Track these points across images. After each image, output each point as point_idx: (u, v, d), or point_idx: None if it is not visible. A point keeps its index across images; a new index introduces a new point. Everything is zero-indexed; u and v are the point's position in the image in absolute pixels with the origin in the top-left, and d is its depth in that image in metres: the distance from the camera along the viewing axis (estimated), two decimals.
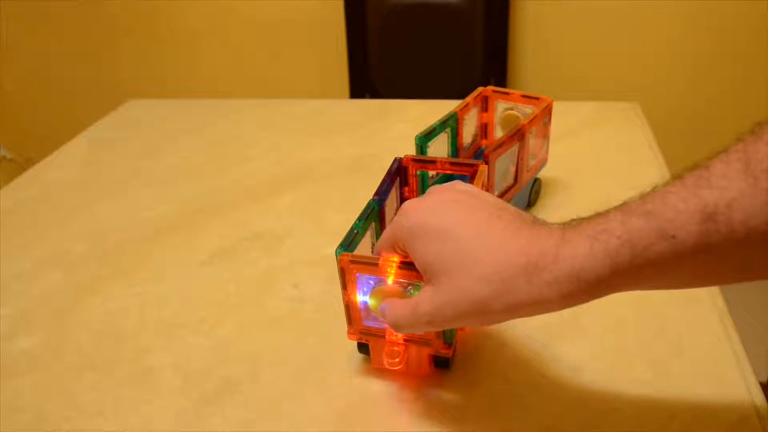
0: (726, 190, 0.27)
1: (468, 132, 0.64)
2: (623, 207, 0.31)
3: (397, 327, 0.38)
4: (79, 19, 1.73)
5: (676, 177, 0.30)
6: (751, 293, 1.54)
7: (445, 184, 0.41)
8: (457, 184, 0.40)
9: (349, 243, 0.42)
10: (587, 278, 0.31)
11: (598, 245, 0.31)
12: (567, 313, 0.50)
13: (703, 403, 0.42)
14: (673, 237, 0.28)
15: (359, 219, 0.44)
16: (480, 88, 0.65)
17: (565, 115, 0.77)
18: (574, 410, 0.42)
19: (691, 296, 0.51)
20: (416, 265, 0.37)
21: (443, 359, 0.44)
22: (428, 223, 0.36)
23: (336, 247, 0.41)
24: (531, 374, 0.45)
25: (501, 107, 0.66)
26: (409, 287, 0.41)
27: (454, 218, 0.36)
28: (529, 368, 0.46)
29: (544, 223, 0.35)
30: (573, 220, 0.34)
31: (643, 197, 0.31)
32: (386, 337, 0.44)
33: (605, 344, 0.47)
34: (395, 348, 0.44)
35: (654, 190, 0.31)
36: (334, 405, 0.44)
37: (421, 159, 0.51)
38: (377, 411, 0.43)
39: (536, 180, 0.65)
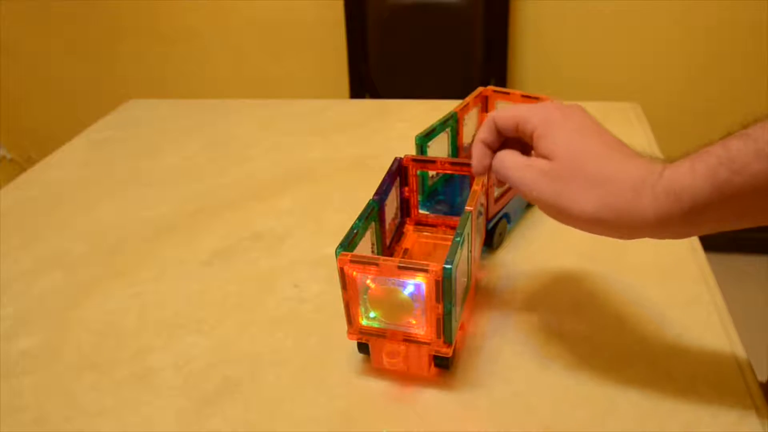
0: None
1: (468, 132, 0.64)
2: (725, 136, 0.33)
3: (499, 172, 0.42)
4: (79, 19, 1.73)
5: None
6: (751, 293, 1.54)
7: (571, 104, 0.43)
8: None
9: (348, 243, 0.42)
10: (688, 198, 0.33)
11: (699, 165, 0.33)
12: (567, 312, 0.50)
13: (703, 403, 0.42)
14: None
15: (359, 219, 0.44)
16: (480, 88, 0.65)
17: None
18: (574, 410, 0.42)
19: (691, 296, 0.51)
20: (542, 149, 0.40)
21: (443, 359, 0.44)
22: (570, 122, 0.40)
23: (336, 246, 0.41)
24: (531, 374, 0.45)
25: (501, 107, 0.66)
26: (409, 287, 0.41)
27: (592, 130, 0.40)
28: (529, 368, 0.46)
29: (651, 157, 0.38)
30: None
31: (744, 126, 0.33)
32: (387, 337, 0.44)
33: (604, 345, 0.47)
34: (395, 348, 0.44)
35: (756, 120, 0.33)
36: (334, 405, 0.44)
37: (422, 159, 0.51)
38: (377, 411, 0.43)
39: None
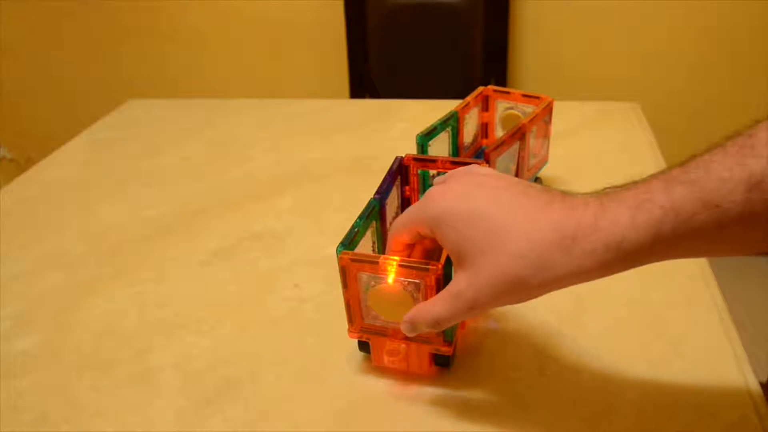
0: None
1: (469, 131, 0.64)
2: (665, 176, 0.31)
3: (439, 324, 0.37)
4: (79, 19, 1.73)
5: (717, 145, 0.30)
6: (751, 293, 1.54)
7: (464, 168, 0.41)
8: (477, 168, 0.40)
9: (350, 241, 0.42)
10: (628, 248, 0.31)
11: (641, 215, 0.31)
12: (567, 312, 0.50)
13: (703, 403, 0.42)
14: (717, 206, 0.28)
15: (360, 218, 0.44)
16: (480, 88, 0.65)
17: (565, 114, 0.77)
18: (574, 410, 0.42)
19: (691, 296, 0.51)
20: (447, 250, 0.37)
21: (444, 357, 0.44)
22: (456, 207, 0.36)
23: (336, 246, 0.41)
24: (531, 374, 0.45)
25: (501, 106, 0.66)
26: (409, 286, 0.41)
27: (480, 200, 0.36)
28: (529, 368, 0.46)
29: (575, 195, 0.35)
30: (607, 188, 0.33)
31: (684, 166, 0.31)
32: (388, 335, 0.44)
33: (605, 344, 0.47)
34: (396, 346, 0.44)
35: (694, 158, 0.30)
36: (334, 405, 0.44)
37: (422, 158, 0.51)
38: (377, 410, 0.43)
39: (537, 179, 0.65)
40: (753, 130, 0.29)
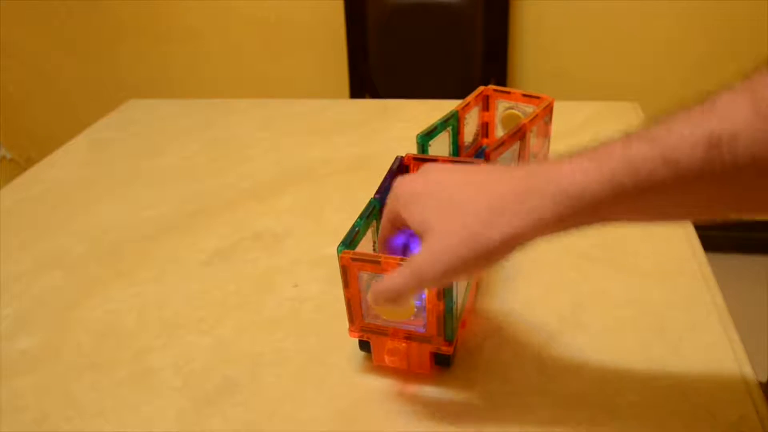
0: (732, 121, 0.27)
1: (469, 131, 0.64)
2: (627, 136, 0.32)
3: (400, 295, 0.37)
4: (79, 19, 1.73)
5: (682, 108, 0.30)
6: (751, 293, 1.54)
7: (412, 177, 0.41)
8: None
9: (350, 241, 0.42)
10: (588, 200, 0.31)
11: (602, 168, 0.31)
12: (567, 312, 0.50)
13: (703, 403, 0.42)
14: (677, 163, 0.29)
15: (360, 217, 0.44)
16: (481, 87, 0.65)
17: (565, 114, 0.77)
18: (574, 410, 0.42)
19: (691, 296, 0.51)
20: (414, 229, 0.37)
21: (444, 357, 0.44)
22: (417, 187, 0.38)
23: (337, 245, 0.41)
24: (531, 374, 0.45)
25: (502, 106, 0.66)
26: None
27: (441, 177, 0.37)
28: (529, 368, 0.46)
29: (538, 162, 0.35)
30: (572, 151, 0.34)
31: (646, 126, 0.31)
32: (388, 334, 0.44)
33: (605, 344, 0.47)
34: (397, 346, 0.44)
35: (658, 119, 0.31)
36: (334, 405, 0.44)
37: (423, 157, 0.51)
38: (377, 410, 0.43)
39: None
40: (716, 96, 0.29)
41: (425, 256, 0.35)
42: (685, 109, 0.30)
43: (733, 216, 0.31)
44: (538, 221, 0.33)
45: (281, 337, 0.51)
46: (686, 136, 0.29)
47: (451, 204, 0.35)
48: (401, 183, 0.39)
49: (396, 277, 0.37)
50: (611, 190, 0.31)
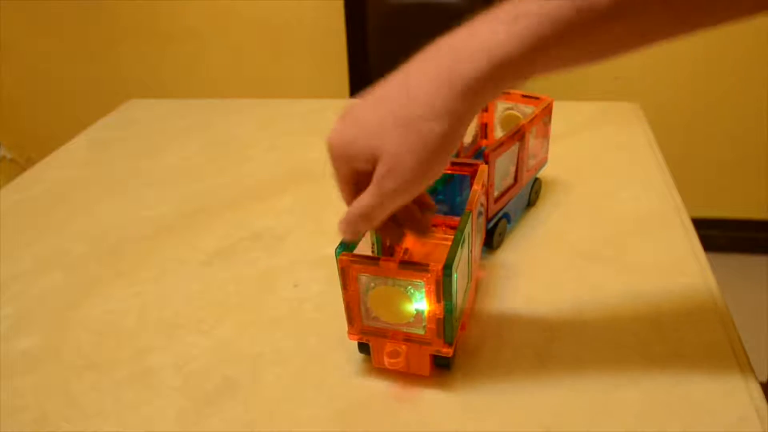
0: None
1: (468, 132, 0.64)
2: None
3: (370, 215, 0.38)
4: (79, 19, 1.73)
5: None
6: (751, 293, 1.54)
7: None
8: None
9: (349, 242, 0.42)
10: (508, 52, 0.33)
11: (519, 22, 0.32)
12: (567, 312, 0.50)
13: (703, 403, 0.42)
14: (590, 8, 0.32)
15: None
16: None
17: (565, 115, 0.77)
18: (574, 410, 0.42)
19: (691, 296, 0.51)
20: (369, 168, 0.38)
21: (444, 359, 0.44)
22: (347, 133, 0.41)
23: (336, 246, 0.41)
24: (531, 374, 0.45)
25: (501, 107, 0.66)
26: (410, 287, 0.41)
27: (358, 111, 0.41)
28: (529, 368, 0.46)
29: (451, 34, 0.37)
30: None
31: None
32: (388, 336, 0.44)
33: (605, 345, 0.47)
34: (396, 348, 0.44)
35: None
36: (334, 405, 0.44)
37: None
38: (377, 411, 0.43)
39: (536, 180, 0.65)
40: None
41: (388, 165, 0.36)
42: None
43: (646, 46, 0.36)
44: (469, 81, 0.34)
45: (281, 337, 0.51)
46: None
47: (382, 123, 0.37)
48: (332, 141, 0.41)
49: (365, 198, 0.38)
50: (530, 45, 0.32)
